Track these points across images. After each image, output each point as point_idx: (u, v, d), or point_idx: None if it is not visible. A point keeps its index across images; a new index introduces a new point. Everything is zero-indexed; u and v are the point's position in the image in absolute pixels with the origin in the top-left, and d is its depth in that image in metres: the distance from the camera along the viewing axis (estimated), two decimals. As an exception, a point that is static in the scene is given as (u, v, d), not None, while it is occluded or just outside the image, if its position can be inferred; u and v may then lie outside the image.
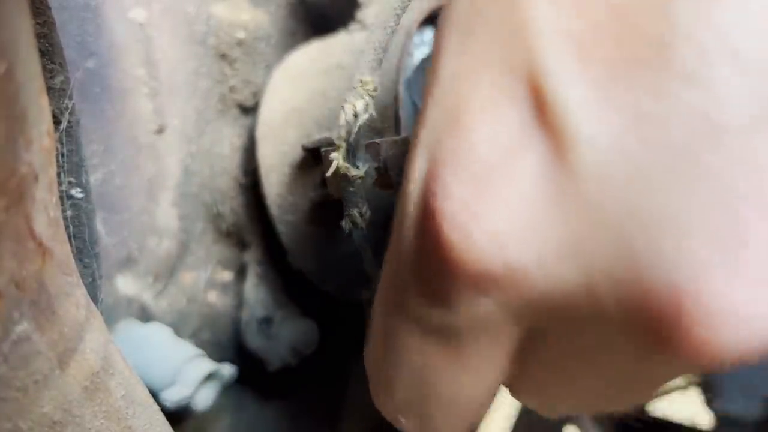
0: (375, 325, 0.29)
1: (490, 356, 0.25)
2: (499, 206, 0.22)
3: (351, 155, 0.38)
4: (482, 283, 0.22)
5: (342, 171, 0.38)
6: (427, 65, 0.50)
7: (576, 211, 0.21)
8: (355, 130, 0.37)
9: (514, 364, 0.26)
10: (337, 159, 0.38)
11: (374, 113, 0.37)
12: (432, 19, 0.53)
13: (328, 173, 0.39)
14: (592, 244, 0.21)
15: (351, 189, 0.39)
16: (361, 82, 0.36)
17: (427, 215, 0.23)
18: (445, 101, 0.24)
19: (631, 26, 0.21)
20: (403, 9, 0.38)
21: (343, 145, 0.38)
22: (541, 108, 0.21)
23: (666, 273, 0.20)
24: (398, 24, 0.38)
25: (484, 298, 0.23)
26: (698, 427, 0.69)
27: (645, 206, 0.20)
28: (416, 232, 0.24)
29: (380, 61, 0.38)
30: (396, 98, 0.48)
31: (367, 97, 0.37)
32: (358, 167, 0.38)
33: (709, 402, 0.65)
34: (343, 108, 0.37)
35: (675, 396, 0.72)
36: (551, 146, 0.21)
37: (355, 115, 0.37)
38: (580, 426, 0.50)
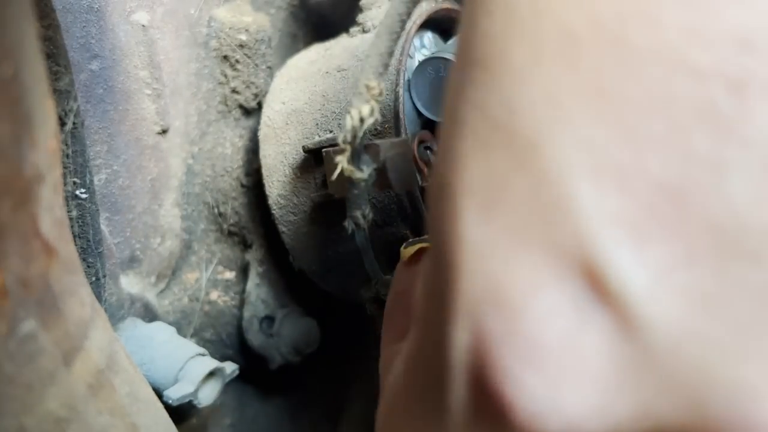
0: None
1: None
2: (572, 391, 0.22)
3: (355, 158, 0.39)
4: None
5: (347, 173, 0.39)
6: (422, 76, 0.50)
7: (650, 387, 0.21)
8: (361, 134, 0.37)
9: None
10: (342, 162, 0.38)
11: (380, 117, 0.37)
12: (430, 23, 0.53)
13: (333, 176, 0.39)
14: (667, 417, 0.22)
15: (355, 191, 0.40)
16: (367, 87, 0.37)
17: (497, 403, 0.23)
18: (480, 273, 0.23)
19: (684, 209, 0.20)
20: (408, 14, 0.39)
21: (348, 148, 0.38)
22: (599, 291, 0.21)
23: (740, 426, 0.21)
24: (403, 29, 0.39)
25: None
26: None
27: (718, 373, 0.21)
28: (477, 413, 0.24)
29: (386, 66, 0.39)
30: (396, 100, 0.48)
31: (373, 102, 0.37)
32: (362, 170, 0.39)
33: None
34: (349, 112, 0.37)
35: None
36: (617, 327, 0.21)
37: (361, 120, 0.37)
38: None
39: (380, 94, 0.37)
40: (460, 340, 0.24)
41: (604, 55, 0.21)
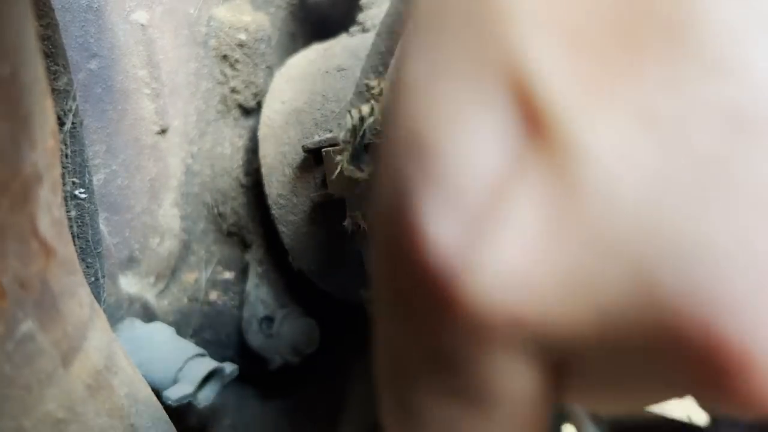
0: (386, 395, 0.24)
1: (520, 406, 0.21)
2: (497, 245, 0.18)
3: (356, 157, 0.39)
4: (486, 331, 0.19)
5: (347, 173, 0.39)
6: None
7: (584, 240, 0.17)
8: (361, 133, 0.37)
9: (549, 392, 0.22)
10: (343, 161, 0.38)
11: (379, 116, 0.37)
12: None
13: (333, 175, 0.39)
14: (605, 279, 0.17)
15: (355, 191, 0.40)
16: (367, 86, 0.37)
17: (410, 260, 0.19)
18: (407, 116, 0.19)
19: (632, 7, 0.17)
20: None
21: (349, 148, 0.38)
22: (531, 116, 0.17)
23: (701, 310, 0.16)
24: (402, 28, 0.39)
25: (493, 349, 0.19)
26: (694, 423, 0.69)
27: (667, 229, 0.16)
28: (401, 282, 0.20)
29: (386, 66, 0.39)
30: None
31: (373, 101, 0.37)
32: (362, 169, 0.39)
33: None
34: (349, 112, 0.37)
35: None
36: (549, 164, 0.17)
37: (362, 119, 0.37)
38: (576, 424, 0.50)
39: (380, 93, 0.37)
40: (385, 200, 0.20)
41: None
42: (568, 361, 0.20)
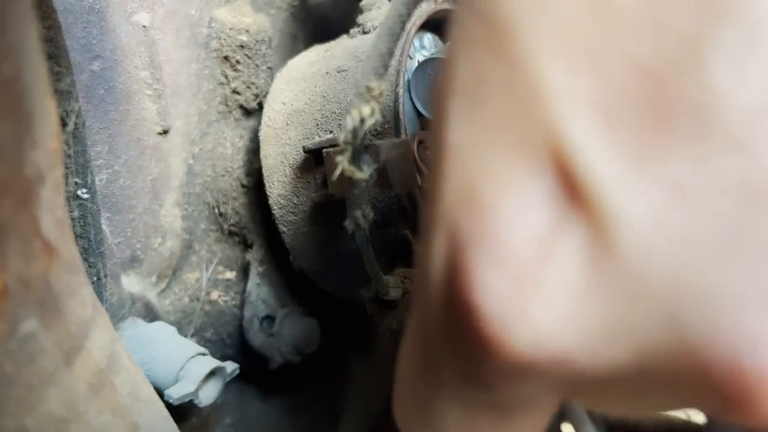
0: (405, 389, 0.27)
1: (537, 420, 0.24)
2: (541, 298, 0.20)
3: (356, 158, 0.39)
4: (525, 373, 0.21)
5: (347, 174, 0.39)
6: (422, 77, 0.50)
7: (621, 293, 0.19)
8: (361, 134, 0.38)
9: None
10: (343, 162, 0.39)
11: (380, 118, 0.37)
12: (430, 24, 0.53)
13: (334, 176, 0.39)
14: (641, 324, 0.19)
15: (355, 191, 0.40)
16: (367, 87, 0.37)
17: (463, 308, 0.21)
18: (457, 176, 0.21)
19: (659, 89, 0.19)
20: (408, 15, 0.39)
21: (349, 149, 0.38)
22: (570, 184, 0.19)
23: (726, 349, 0.19)
24: (403, 30, 0.39)
25: (528, 384, 0.22)
26: (693, 422, 0.70)
27: (695, 281, 0.19)
28: (448, 320, 0.22)
29: (386, 67, 0.39)
30: (396, 100, 0.48)
31: (373, 103, 0.37)
32: (363, 170, 0.39)
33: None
34: (350, 113, 0.37)
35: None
36: (588, 226, 0.19)
37: (362, 120, 0.37)
38: (574, 424, 0.50)
39: (381, 94, 0.37)
40: (438, 248, 0.22)
41: None
42: (594, 390, 0.22)
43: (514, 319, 0.20)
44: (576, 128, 0.19)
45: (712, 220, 0.18)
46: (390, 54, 0.39)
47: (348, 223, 0.42)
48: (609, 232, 0.19)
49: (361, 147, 0.39)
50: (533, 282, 0.20)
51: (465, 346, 0.22)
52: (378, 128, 0.48)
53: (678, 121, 0.18)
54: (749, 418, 0.19)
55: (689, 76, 0.18)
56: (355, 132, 0.37)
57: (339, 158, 0.39)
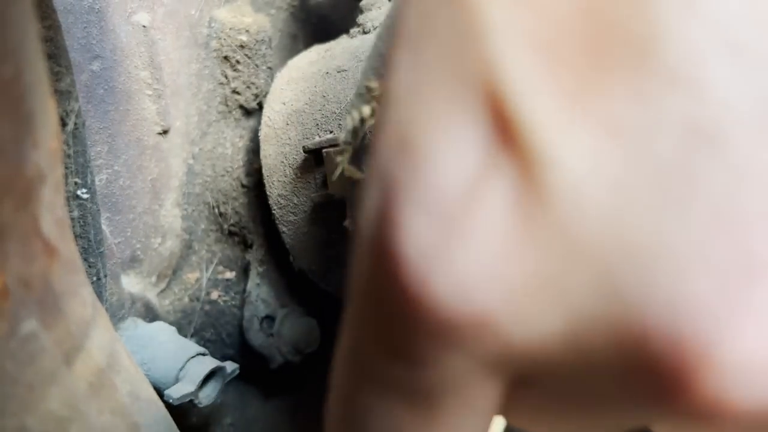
0: (336, 391, 0.24)
1: (470, 414, 0.21)
2: (464, 246, 0.18)
3: (357, 158, 0.39)
4: (449, 334, 0.19)
5: (348, 174, 0.39)
6: None
7: (551, 246, 0.17)
8: (362, 134, 0.38)
9: (500, 409, 0.22)
10: (343, 162, 0.39)
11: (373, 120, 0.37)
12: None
13: (334, 176, 0.39)
14: (571, 285, 0.18)
15: (356, 191, 0.40)
16: (368, 87, 0.37)
17: (384, 260, 0.19)
18: (393, 125, 0.20)
19: (604, 23, 0.17)
20: None
21: (349, 148, 0.38)
22: (504, 126, 0.18)
23: (664, 316, 0.17)
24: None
25: (454, 353, 0.19)
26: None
27: (632, 236, 0.17)
28: (373, 279, 0.20)
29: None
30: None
31: (374, 103, 0.37)
32: (363, 170, 0.39)
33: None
34: (350, 113, 0.37)
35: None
36: (520, 171, 0.18)
37: (362, 120, 0.37)
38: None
39: (381, 94, 0.37)
40: (371, 201, 0.21)
41: None
42: (529, 374, 0.20)
43: (435, 266, 0.18)
44: (512, 66, 0.18)
45: (651, 164, 0.17)
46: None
47: (348, 223, 0.42)
48: (538, 175, 0.17)
49: (361, 147, 0.39)
50: (458, 228, 0.18)
51: (388, 306, 0.20)
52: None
53: (618, 58, 0.17)
54: (688, 406, 0.17)
55: (632, 10, 0.17)
56: (355, 132, 0.37)
57: (339, 158, 0.39)
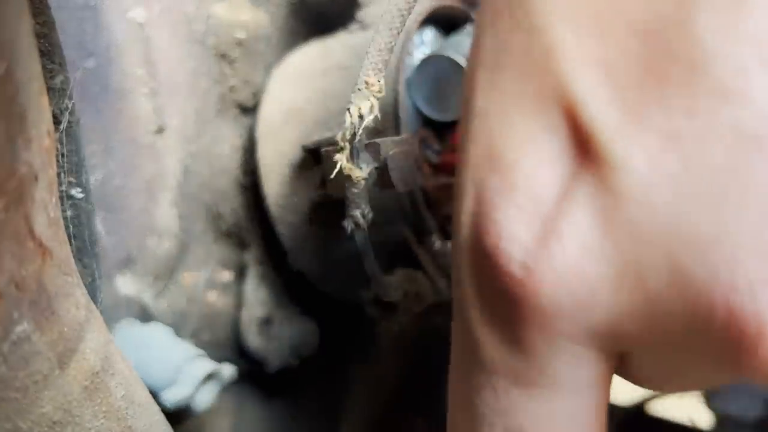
0: (453, 380, 0.28)
1: (584, 386, 0.25)
2: (560, 244, 0.22)
3: (355, 156, 0.38)
4: (554, 320, 0.22)
5: (346, 172, 0.38)
6: (423, 74, 0.50)
7: (628, 240, 0.21)
8: (360, 131, 0.37)
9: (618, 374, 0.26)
10: (341, 160, 0.38)
11: (379, 115, 0.37)
12: (432, 20, 0.53)
13: (332, 174, 0.39)
14: (647, 272, 0.21)
15: (354, 190, 0.39)
16: (366, 83, 0.36)
17: (489, 259, 0.23)
18: (482, 139, 0.24)
19: (656, 47, 0.20)
20: (409, 10, 0.38)
21: (347, 146, 0.38)
22: (581, 138, 0.22)
23: (724, 293, 0.20)
24: (403, 25, 0.38)
25: (555, 335, 0.23)
26: (698, 426, 0.69)
27: (695, 228, 0.20)
28: (479, 276, 0.24)
29: (386, 63, 0.38)
30: (396, 98, 0.48)
31: (372, 99, 0.37)
32: (361, 168, 0.39)
33: (709, 402, 0.65)
34: (348, 110, 0.37)
35: (674, 396, 0.72)
36: (597, 176, 0.21)
37: (361, 117, 0.37)
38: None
39: (380, 90, 0.37)
40: (467, 208, 0.24)
41: None
42: (625, 348, 0.23)
43: (536, 261, 0.22)
44: (583, 85, 0.21)
45: (706, 167, 0.20)
46: (389, 49, 0.38)
47: (347, 223, 0.41)
48: (613, 179, 0.21)
49: (359, 144, 0.38)
50: (553, 228, 0.22)
51: (496, 300, 0.23)
52: (378, 126, 0.48)
53: (673, 75, 0.20)
54: (753, 367, 0.20)
55: (681, 33, 0.20)
56: (353, 129, 0.37)
57: (337, 156, 0.38)
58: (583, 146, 0.21)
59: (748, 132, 0.19)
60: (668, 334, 0.22)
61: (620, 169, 0.21)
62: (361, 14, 0.55)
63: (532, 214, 0.22)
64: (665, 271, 0.21)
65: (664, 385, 0.27)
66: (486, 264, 0.23)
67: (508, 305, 0.23)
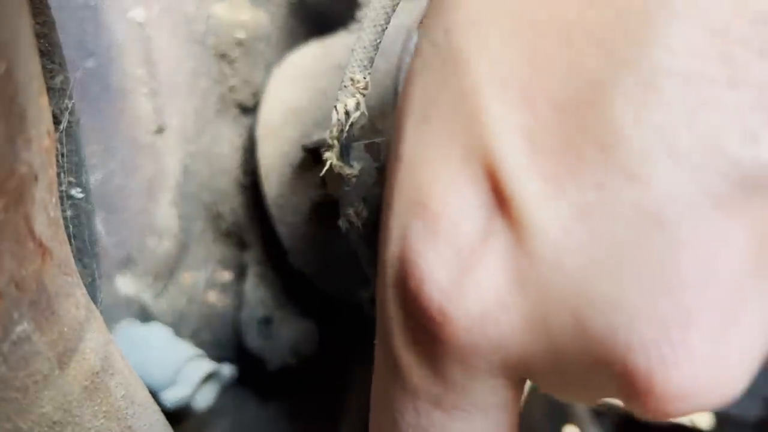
0: (377, 415, 0.31)
1: (498, 407, 0.27)
2: (474, 289, 0.24)
3: (345, 154, 0.38)
4: (470, 357, 0.24)
5: (336, 170, 0.38)
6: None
7: (536, 294, 0.23)
8: (347, 128, 0.37)
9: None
10: (331, 158, 0.38)
11: (366, 112, 0.37)
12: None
13: (323, 172, 0.39)
14: (552, 322, 0.23)
15: (346, 188, 0.39)
16: (352, 80, 0.36)
17: (412, 301, 0.25)
18: (408, 185, 0.25)
19: (575, 124, 0.22)
20: (393, 8, 0.38)
21: (336, 144, 0.38)
22: (499, 196, 0.23)
23: (621, 351, 0.22)
24: (389, 23, 0.38)
25: (475, 370, 0.25)
26: (697, 426, 0.69)
27: (597, 291, 0.22)
28: (403, 311, 0.26)
29: (371, 60, 0.38)
30: (396, 97, 0.47)
31: (358, 95, 0.37)
32: (352, 166, 0.38)
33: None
34: (335, 107, 0.37)
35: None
36: (512, 233, 0.23)
37: (347, 114, 0.37)
38: (579, 425, 0.50)
39: (366, 87, 0.37)
40: (392, 250, 0.26)
41: None
42: (532, 376, 0.26)
43: (454, 306, 0.24)
44: (506, 151, 0.23)
45: (610, 239, 0.22)
46: (375, 47, 0.38)
47: (341, 222, 0.41)
48: (528, 241, 0.23)
49: (348, 141, 0.38)
50: (471, 276, 0.24)
51: (418, 335, 0.25)
52: (378, 126, 0.48)
53: (587, 152, 0.22)
54: (646, 410, 0.23)
55: (597, 114, 0.22)
56: (340, 126, 0.37)
57: (327, 155, 0.38)
58: (502, 204, 0.23)
59: (647, 212, 0.21)
60: (570, 374, 0.24)
61: (535, 234, 0.23)
62: (361, 14, 0.55)
63: (452, 261, 0.24)
64: (570, 326, 0.23)
65: (571, 400, 0.30)
66: (409, 304, 0.25)
67: (429, 341, 0.25)
